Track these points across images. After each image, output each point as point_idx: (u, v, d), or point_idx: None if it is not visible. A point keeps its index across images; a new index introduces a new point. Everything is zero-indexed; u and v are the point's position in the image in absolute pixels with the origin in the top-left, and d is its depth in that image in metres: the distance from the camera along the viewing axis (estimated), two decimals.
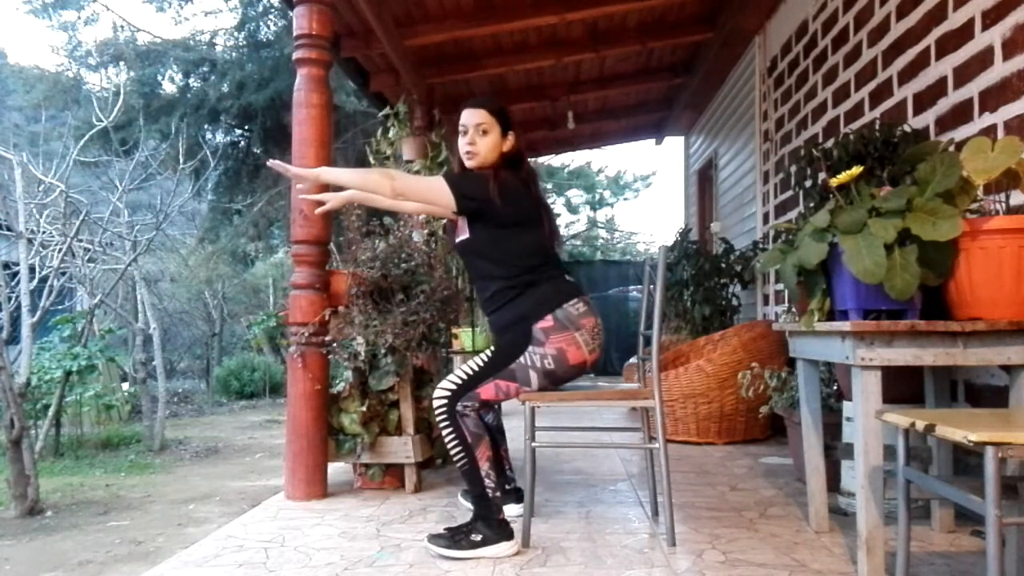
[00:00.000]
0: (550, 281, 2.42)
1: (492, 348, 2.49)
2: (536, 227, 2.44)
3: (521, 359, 2.36)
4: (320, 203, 2.80)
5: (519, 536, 2.34)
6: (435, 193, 2.37)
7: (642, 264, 2.85)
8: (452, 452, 2.36)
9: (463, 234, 2.48)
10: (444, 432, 2.37)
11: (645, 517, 2.70)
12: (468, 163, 2.46)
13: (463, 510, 2.74)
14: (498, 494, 2.39)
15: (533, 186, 2.48)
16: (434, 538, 2.29)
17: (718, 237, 6.42)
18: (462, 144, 2.46)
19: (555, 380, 2.40)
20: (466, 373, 2.43)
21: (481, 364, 2.44)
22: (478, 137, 2.45)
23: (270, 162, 2.50)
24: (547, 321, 2.36)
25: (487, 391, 2.36)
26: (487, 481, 2.35)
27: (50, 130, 9.29)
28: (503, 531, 2.30)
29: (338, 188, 2.72)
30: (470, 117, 2.46)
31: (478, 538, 2.26)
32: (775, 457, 3.90)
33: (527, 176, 2.49)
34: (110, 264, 7.22)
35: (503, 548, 2.26)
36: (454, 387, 2.39)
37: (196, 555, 2.33)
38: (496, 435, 2.65)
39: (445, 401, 2.37)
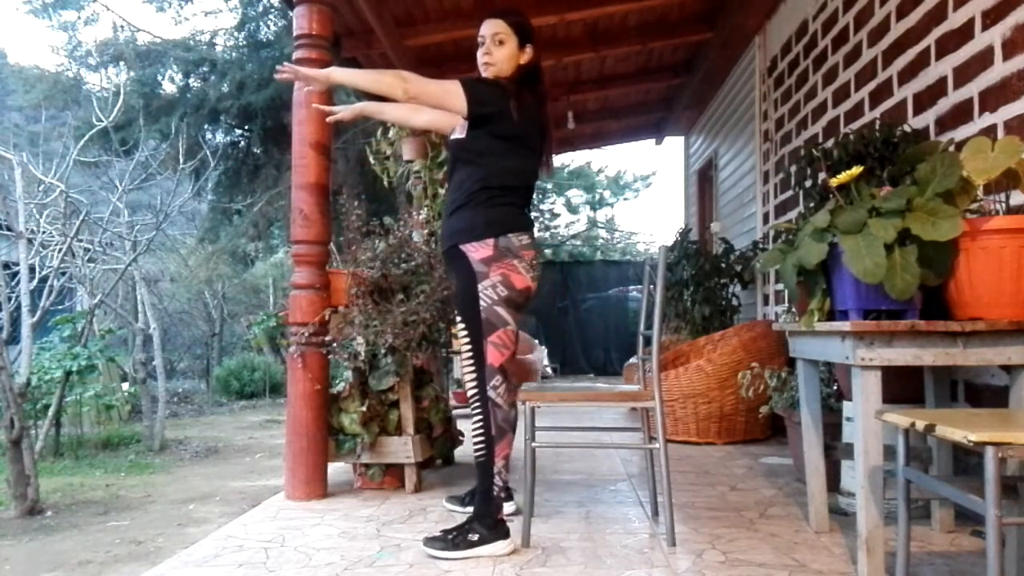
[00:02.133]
0: (510, 206, 2.41)
1: (458, 319, 2.53)
2: (531, 149, 2.44)
3: (482, 304, 2.35)
4: (332, 112, 2.74)
5: (513, 534, 2.34)
6: (450, 96, 2.31)
7: (642, 264, 2.85)
8: (475, 440, 2.51)
9: (459, 132, 2.46)
10: (474, 420, 2.52)
11: (645, 517, 2.70)
12: (485, 73, 2.45)
13: (452, 512, 2.76)
14: (502, 495, 2.40)
15: (542, 104, 2.47)
16: (431, 541, 2.29)
17: (718, 237, 6.42)
18: (479, 55, 2.46)
19: (516, 306, 2.38)
20: (468, 357, 2.51)
21: (466, 338, 2.50)
22: (494, 47, 2.43)
23: (280, 67, 2.39)
24: (486, 248, 2.34)
25: (492, 357, 2.37)
26: (497, 479, 2.35)
27: (50, 130, 9.28)
28: (500, 530, 2.30)
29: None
30: (487, 27, 2.45)
31: (475, 537, 2.26)
32: (775, 457, 3.90)
33: (539, 93, 2.47)
34: (110, 264, 7.22)
35: (500, 547, 2.27)
36: (473, 372, 2.49)
37: (196, 555, 2.33)
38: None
39: (476, 391, 2.48)
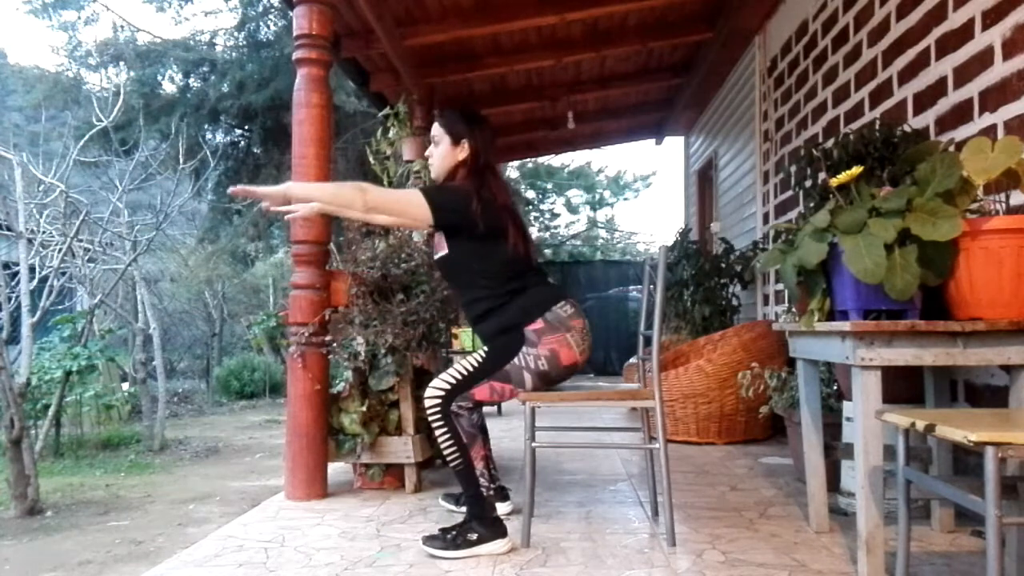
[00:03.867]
0: (535, 287, 2.42)
1: (485, 349, 2.45)
2: (510, 236, 2.40)
3: (516, 360, 2.35)
4: (292, 211, 2.67)
5: (513, 533, 2.35)
6: (412, 207, 2.29)
7: (642, 264, 2.85)
8: (446, 452, 2.36)
9: (441, 250, 2.45)
10: (438, 432, 2.35)
11: (645, 517, 2.70)
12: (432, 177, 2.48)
13: (451, 512, 2.76)
14: (491, 492, 2.40)
15: (502, 195, 2.43)
16: (430, 540, 2.29)
17: (718, 237, 6.42)
18: None
19: (548, 381, 2.39)
20: (460, 373, 2.40)
21: (475, 365, 2.41)
22: (432, 148, 2.46)
23: (231, 189, 2.30)
24: (538, 323, 2.35)
25: (481, 392, 2.37)
26: (482, 480, 2.36)
27: (50, 130, 9.28)
28: (497, 529, 2.31)
29: None
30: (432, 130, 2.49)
31: (474, 537, 2.27)
32: (775, 457, 3.90)
33: (496, 185, 2.44)
34: (110, 264, 7.22)
35: (498, 545, 2.28)
36: (448, 387, 2.37)
37: (196, 555, 2.33)
38: (482, 435, 2.64)
39: (439, 401, 2.35)
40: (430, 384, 2.40)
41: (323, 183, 2.66)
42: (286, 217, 2.62)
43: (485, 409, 2.65)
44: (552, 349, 2.35)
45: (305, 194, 2.35)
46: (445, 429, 2.34)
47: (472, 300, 2.46)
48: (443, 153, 2.46)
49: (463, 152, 2.45)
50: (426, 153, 2.50)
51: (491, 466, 2.68)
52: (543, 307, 2.37)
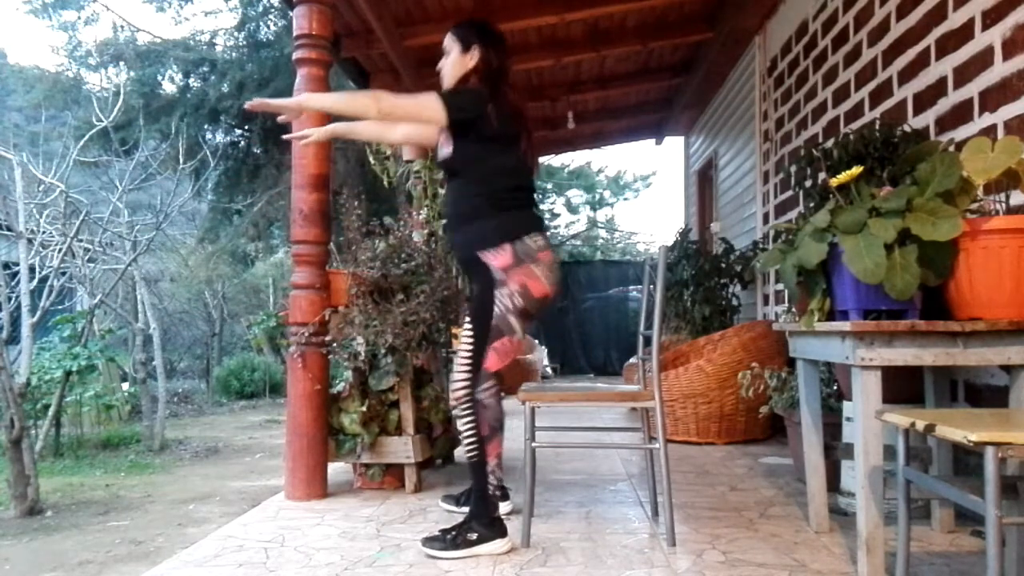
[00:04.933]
0: (519, 208, 2.42)
1: (467, 319, 2.48)
2: (517, 146, 2.42)
3: (495, 309, 2.35)
4: (305, 136, 2.69)
5: (513, 533, 2.35)
6: (425, 109, 2.30)
7: (642, 264, 2.85)
8: (466, 442, 2.41)
9: (445, 149, 2.45)
10: (464, 422, 2.40)
11: (645, 517, 2.70)
12: (444, 86, 2.47)
13: (450, 513, 2.76)
14: (497, 493, 2.40)
15: (514, 102, 2.46)
16: (429, 541, 2.29)
17: (718, 237, 6.42)
18: None
19: (528, 316, 2.39)
20: (466, 357, 2.43)
21: (470, 339, 2.43)
22: (443, 60, 2.45)
23: (248, 104, 2.34)
24: (505, 255, 2.33)
25: (491, 362, 2.36)
26: (491, 478, 2.36)
27: (50, 130, 9.28)
28: (498, 528, 2.31)
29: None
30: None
31: (474, 536, 2.27)
32: (775, 457, 3.90)
33: (509, 89, 2.47)
34: (110, 264, 7.22)
35: (498, 545, 2.28)
36: (467, 372, 2.41)
37: (196, 555, 2.33)
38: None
39: (465, 391, 2.39)
40: (452, 380, 2.44)
41: (336, 93, 2.66)
42: (301, 143, 2.64)
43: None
44: (521, 282, 2.34)
45: (320, 104, 2.39)
46: (470, 419, 2.38)
47: (460, 198, 2.45)
48: (453, 61, 2.46)
49: (472, 59, 2.45)
50: (438, 66, 2.46)
51: (500, 467, 2.69)
52: (517, 231, 2.35)
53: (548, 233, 2.46)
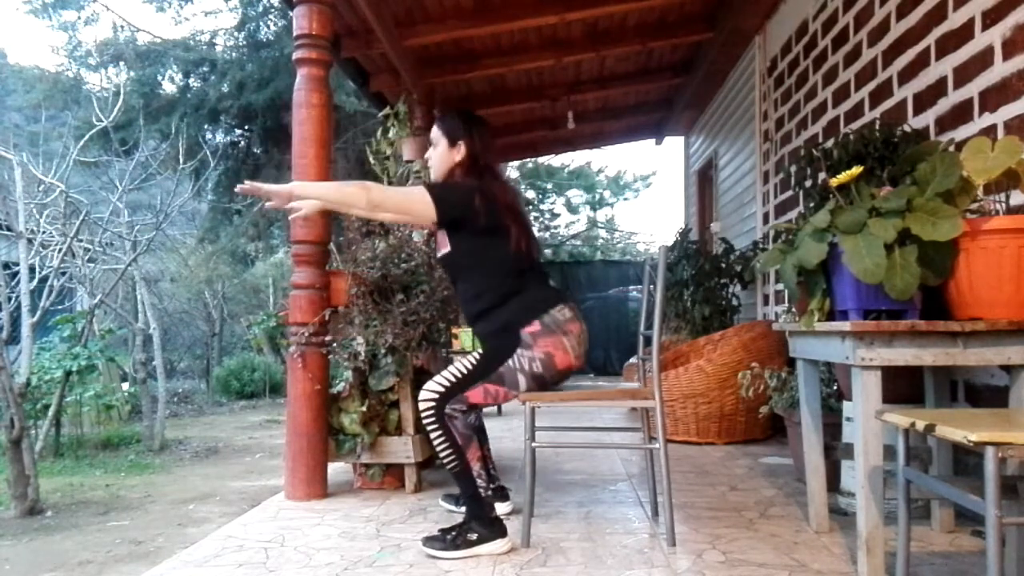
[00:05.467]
0: (534, 288, 2.42)
1: (479, 351, 2.45)
2: (513, 234, 2.40)
3: (509, 362, 2.34)
4: (298, 209, 2.59)
5: (513, 533, 2.35)
6: (415, 203, 2.32)
7: (642, 264, 2.85)
8: (442, 454, 2.35)
9: (444, 247, 2.46)
10: (433, 435, 2.35)
11: (645, 517, 2.70)
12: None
13: (451, 512, 2.76)
14: (489, 493, 2.41)
15: (502, 194, 2.43)
16: (429, 540, 2.29)
17: (718, 237, 6.42)
18: None
19: (542, 384, 2.38)
20: (454, 376, 2.38)
21: (469, 367, 2.39)
22: (431, 151, 2.48)
23: (239, 187, 2.32)
24: (534, 326, 2.34)
25: (475, 395, 2.36)
26: (479, 481, 2.36)
27: (50, 130, 9.28)
28: (497, 529, 2.31)
29: None
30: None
31: (474, 537, 2.27)
32: (775, 457, 3.90)
33: (497, 182, 2.46)
34: (110, 264, 7.22)
35: (498, 545, 2.28)
36: (442, 390, 2.36)
37: (196, 555, 2.33)
38: (479, 435, 2.63)
39: (433, 404, 2.34)
40: (424, 387, 2.39)
41: (327, 183, 2.68)
42: (290, 217, 2.61)
43: (485, 409, 2.65)
44: (547, 352, 2.34)
45: (310, 193, 2.37)
46: (440, 432, 2.34)
47: (471, 297, 2.46)
48: (440, 155, 2.49)
49: (459, 154, 2.46)
50: (425, 156, 2.52)
51: (490, 466, 2.66)
52: (541, 309, 2.37)
53: (537, 235, 2.46)
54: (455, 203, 2.34)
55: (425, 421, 2.36)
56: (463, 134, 2.47)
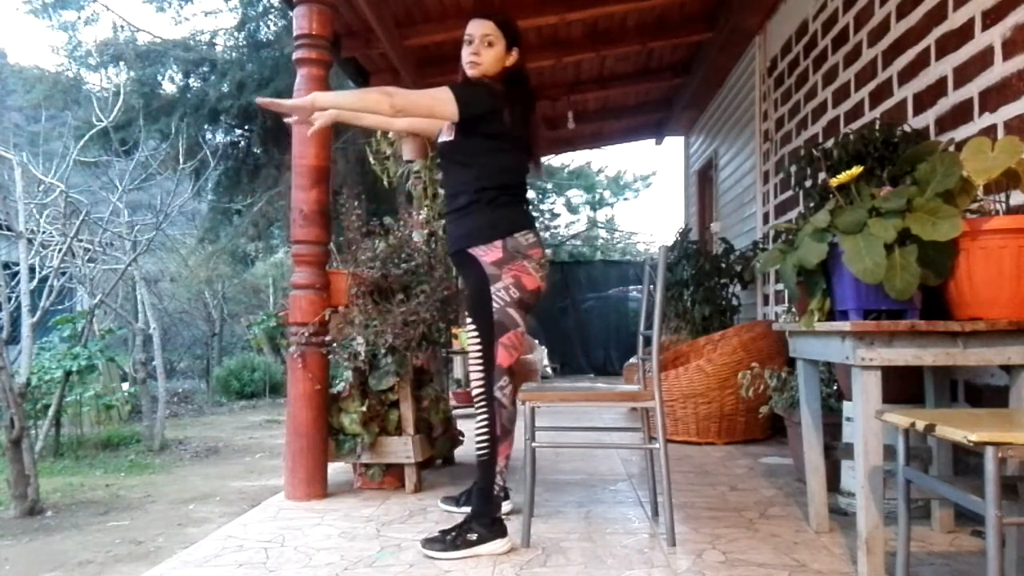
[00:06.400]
0: (510, 206, 2.44)
1: (468, 319, 2.53)
2: (522, 149, 2.46)
3: (495, 305, 2.38)
4: (311, 124, 2.57)
5: (513, 533, 2.35)
6: (439, 103, 2.31)
7: (642, 264, 2.86)
8: (478, 439, 2.44)
9: (447, 135, 2.46)
10: (479, 420, 2.45)
11: (645, 517, 2.70)
12: (470, 72, 2.45)
13: (450, 513, 2.76)
14: (500, 494, 2.41)
15: (531, 107, 2.49)
16: (429, 542, 2.29)
17: (718, 237, 6.42)
18: (466, 53, 2.45)
19: (526, 307, 2.42)
20: (477, 356, 2.49)
21: (476, 338, 2.49)
22: (483, 48, 2.43)
23: (258, 100, 2.35)
24: (495, 251, 2.36)
25: (502, 357, 2.39)
26: (498, 478, 2.38)
27: (50, 130, 9.27)
28: (498, 529, 2.32)
29: None
30: (476, 27, 2.46)
31: (474, 537, 2.27)
32: (775, 457, 3.90)
33: (527, 96, 2.49)
34: (110, 264, 7.22)
35: (498, 545, 2.29)
36: (482, 371, 2.47)
37: (196, 555, 2.33)
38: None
39: (483, 389, 2.46)
40: (471, 381, 2.52)
41: (348, 91, 2.66)
42: (308, 132, 2.61)
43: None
44: (515, 275, 2.37)
45: (332, 102, 2.37)
46: (486, 416, 2.43)
47: (455, 194, 2.47)
48: (497, 55, 2.44)
49: (511, 59, 2.47)
50: (471, 51, 2.43)
51: (507, 468, 2.68)
52: (508, 227, 2.38)
53: (541, 232, 2.48)
54: (477, 102, 2.34)
55: (478, 405, 2.47)
56: (517, 41, 2.49)
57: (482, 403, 2.47)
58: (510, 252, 2.37)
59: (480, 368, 2.50)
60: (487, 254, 2.37)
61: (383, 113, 2.30)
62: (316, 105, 2.34)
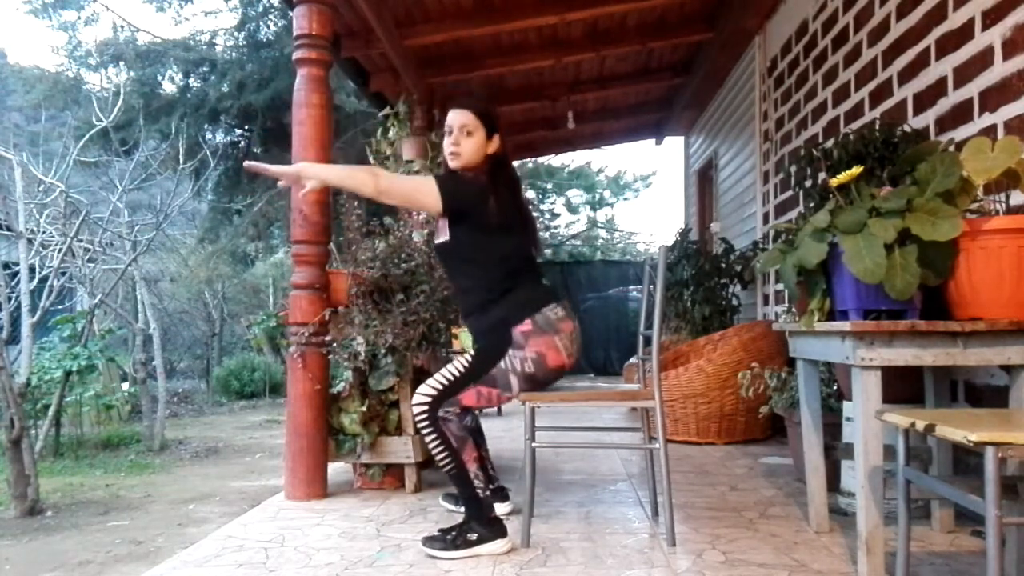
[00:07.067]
0: (528, 286, 2.41)
1: (472, 351, 2.44)
2: (518, 233, 2.42)
3: (501, 364, 2.34)
4: (302, 186, 2.56)
5: (513, 534, 2.35)
6: (422, 194, 2.32)
7: (642, 264, 2.86)
8: (438, 457, 2.35)
9: (442, 235, 2.45)
10: (427, 438, 2.34)
11: (645, 517, 2.71)
12: (451, 163, 2.42)
13: (451, 512, 2.76)
14: (488, 493, 2.40)
15: (517, 192, 2.47)
16: (429, 540, 2.29)
17: (718, 237, 6.42)
18: (447, 144, 2.43)
19: (535, 384, 2.38)
20: (447, 379, 2.37)
21: (462, 370, 2.38)
22: (462, 138, 2.41)
23: (246, 164, 2.38)
24: (526, 325, 2.34)
25: (468, 397, 2.36)
26: (476, 482, 2.35)
27: (50, 130, 9.28)
28: (497, 529, 2.31)
29: None
30: (455, 117, 2.42)
31: (474, 537, 2.27)
32: (775, 457, 3.90)
33: (511, 181, 2.46)
34: (110, 264, 7.22)
35: (498, 545, 2.29)
36: (435, 393, 2.35)
37: (196, 555, 2.33)
38: (476, 436, 2.62)
39: (426, 407, 2.33)
40: (417, 391, 2.38)
41: (336, 165, 2.65)
42: (299, 193, 2.60)
43: (486, 409, 2.65)
44: (539, 351, 2.33)
45: (317, 175, 2.36)
46: (435, 435, 2.33)
47: (462, 291, 2.47)
48: (477, 143, 2.42)
49: (492, 147, 2.45)
50: (451, 142, 2.42)
51: (488, 467, 2.65)
52: (534, 307, 2.36)
53: (541, 232, 2.46)
54: (463, 198, 2.33)
55: (419, 425, 2.35)
56: (497, 128, 2.47)
57: (425, 422, 2.33)
58: (539, 326, 2.34)
59: (437, 389, 2.35)
60: (517, 327, 2.35)
61: (367, 193, 2.31)
62: (302, 174, 2.34)
